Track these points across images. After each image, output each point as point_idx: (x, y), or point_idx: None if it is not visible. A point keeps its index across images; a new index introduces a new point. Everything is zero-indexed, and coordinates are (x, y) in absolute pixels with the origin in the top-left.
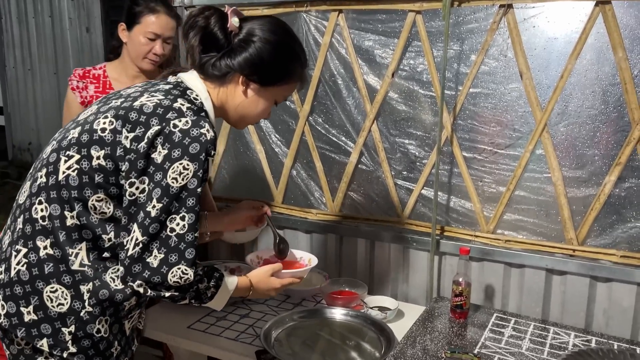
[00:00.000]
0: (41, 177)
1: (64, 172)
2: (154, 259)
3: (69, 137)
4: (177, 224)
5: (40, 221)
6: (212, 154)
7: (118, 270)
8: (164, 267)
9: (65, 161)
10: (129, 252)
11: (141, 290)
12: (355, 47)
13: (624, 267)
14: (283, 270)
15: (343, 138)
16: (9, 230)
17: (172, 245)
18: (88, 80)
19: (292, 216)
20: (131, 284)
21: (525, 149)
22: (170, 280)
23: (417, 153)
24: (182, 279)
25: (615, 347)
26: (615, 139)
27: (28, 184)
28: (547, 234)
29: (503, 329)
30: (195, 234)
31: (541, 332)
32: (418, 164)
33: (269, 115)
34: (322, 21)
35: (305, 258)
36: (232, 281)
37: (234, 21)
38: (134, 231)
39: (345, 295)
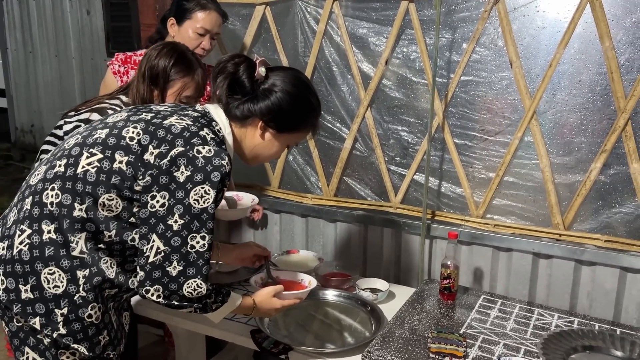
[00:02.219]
0: (59, 165)
1: (83, 167)
2: (173, 269)
3: (96, 136)
4: (198, 242)
5: (49, 206)
6: (227, 184)
7: (135, 271)
8: (182, 277)
9: (87, 157)
10: (150, 259)
11: (155, 295)
12: (350, 35)
13: (608, 251)
14: (284, 292)
15: (338, 124)
16: (15, 208)
17: (191, 260)
18: (129, 66)
19: (288, 200)
20: (148, 287)
21: (515, 136)
22: (185, 290)
23: (409, 139)
24: (196, 292)
25: (597, 327)
26: (601, 127)
27: (43, 168)
28: (535, 219)
29: (489, 311)
30: (211, 253)
31: (526, 314)
32: (410, 150)
33: (279, 156)
34: (317, 9)
35: (306, 280)
36: (237, 298)
37: (261, 71)
38: (154, 240)
39: (338, 277)
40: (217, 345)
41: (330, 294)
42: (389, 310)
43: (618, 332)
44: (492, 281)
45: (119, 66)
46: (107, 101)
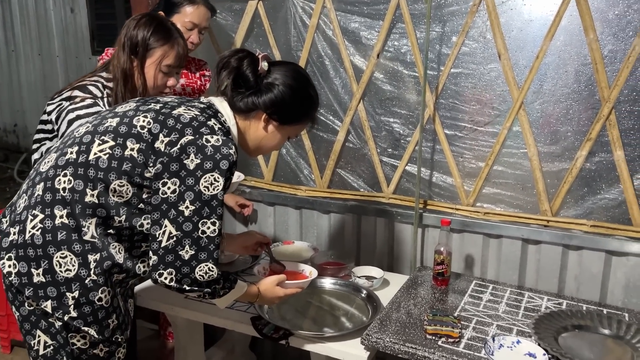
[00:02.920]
0: (71, 152)
1: (95, 154)
2: (186, 253)
3: (106, 125)
4: (208, 228)
5: (62, 192)
6: (233, 172)
7: (150, 258)
8: (194, 261)
9: (99, 144)
10: (163, 244)
11: (167, 279)
12: (342, 29)
13: (594, 236)
14: (287, 281)
15: (331, 117)
16: (25, 195)
17: (203, 245)
18: None
19: (282, 193)
20: (162, 271)
21: (503, 126)
22: (197, 273)
23: (401, 131)
24: (207, 275)
25: (584, 308)
26: (586, 116)
27: (54, 155)
28: (523, 206)
29: (481, 295)
30: (220, 238)
31: (517, 297)
32: (402, 141)
33: (280, 148)
34: (309, 3)
35: (307, 270)
36: (242, 286)
37: (264, 65)
38: (166, 226)
39: (333, 266)
40: (214, 338)
41: (327, 282)
42: (384, 296)
43: (605, 312)
44: (483, 267)
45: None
46: (88, 79)
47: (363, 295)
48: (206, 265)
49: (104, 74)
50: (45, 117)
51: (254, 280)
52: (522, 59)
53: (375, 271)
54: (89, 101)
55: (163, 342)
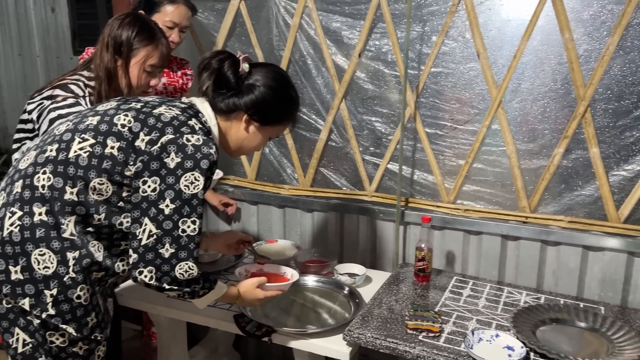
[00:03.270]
0: (51, 150)
1: (75, 152)
2: (166, 252)
3: (87, 123)
4: (189, 226)
5: (41, 189)
6: (214, 172)
7: (130, 256)
8: (174, 259)
9: (80, 142)
10: (143, 242)
11: (147, 277)
12: (324, 29)
13: (571, 232)
14: (267, 284)
15: (313, 116)
16: (3, 192)
17: (183, 243)
18: None
19: (265, 192)
20: (142, 269)
21: (482, 124)
22: (177, 272)
23: (383, 130)
24: (187, 274)
25: (562, 302)
26: (563, 114)
27: (34, 153)
28: (503, 203)
29: (462, 290)
30: (200, 237)
31: (496, 292)
32: (384, 140)
33: (261, 148)
34: (291, 3)
35: (289, 273)
36: (222, 287)
37: (244, 67)
38: (146, 224)
39: (317, 264)
40: (197, 337)
41: (310, 280)
42: (367, 293)
43: (581, 306)
44: (463, 263)
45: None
46: (69, 77)
47: (345, 292)
48: (186, 263)
49: (85, 73)
50: (25, 116)
51: (235, 282)
52: (500, 58)
53: (357, 268)
54: (70, 100)
55: (146, 342)
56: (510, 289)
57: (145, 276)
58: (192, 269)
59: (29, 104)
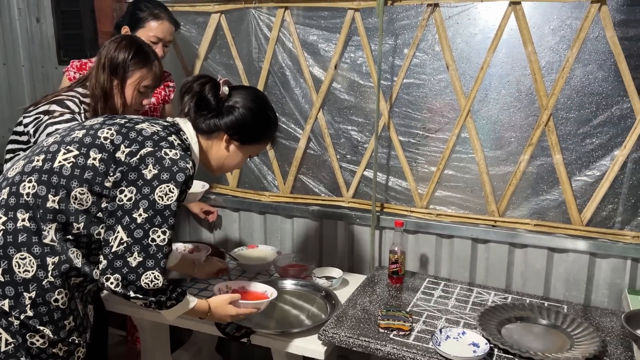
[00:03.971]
0: (38, 160)
1: (60, 162)
2: (134, 260)
3: (73, 136)
4: (159, 236)
5: (25, 197)
6: (190, 186)
7: (99, 261)
8: (141, 268)
9: (64, 153)
10: (113, 249)
11: (113, 284)
12: (301, 41)
13: (537, 234)
14: (241, 300)
15: (292, 125)
16: None
17: (151, 252)
18: (84, 72)
19: (246, 199)
20: (109, 275)
21: (452, 132)
22: (143, 281)
23: (359, 138)
24: (153, 283)
25: (528, 301)
26: (527, 123)
27: (22, 162)
28: (473, 208)
29: (433, 291)
30: (170, 248)
31: (466, 293)
32: (360, 148)
33: (241, 166)
34: (270, 17)
35: (269, 292)
36: (192, 300)
37: (224, 89)
38: (119, 232)
39: (296, 268)
40: (181, 341)
41: (289, 283)
42: (344, 295)
43: (546, 305)
44: (436, 266)
45: (74, 72)
46: (65, 94)
47: (323, 294)
48: (152, 273)
49: (80, 90)
50: (20, 128)
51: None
52: (468, 69)
53: (335, 272)
54: (67, 116)
55: (131, 347)
56: (480, 290)
57: (112, 283)
58: (158, 279)
59: (24, 117)
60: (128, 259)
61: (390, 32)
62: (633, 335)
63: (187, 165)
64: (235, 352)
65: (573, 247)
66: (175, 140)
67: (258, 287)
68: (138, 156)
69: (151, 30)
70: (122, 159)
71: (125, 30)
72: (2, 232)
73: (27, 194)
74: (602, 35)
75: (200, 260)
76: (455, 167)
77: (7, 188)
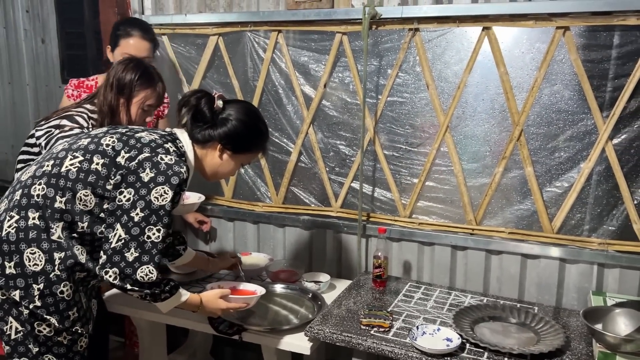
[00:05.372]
0: (47, 165)
1: (66, 167)
2: (130, 255)
3: (79, 143)
4: (154, 234)
5: (35, 198)
6: (184, 189)
7: (100, 257)
8: (137, 263)
9: (71, 159)
10: (112, 245)
11: (112, 277)
12: (293, 62)
13: (511, 242)
14: (231, 295)
15: (285, 140)
16: (6, 199)
17: (146, 248)
18: (82, 90)
19: (241, 209)
20: (108, 269)
21: (433, 147)
22: (138, 275)
23: (346, 152)
24: (147, 277)
25: (501, 303)
26: (501, 137)
27: (34, 167)
28: (452, 217)
29: (414, 294)
30: (164, 245)
31: (445, 296)
32: (348, 161)
33: (235, 174)
34: (264, 39)
35: (259, 290)
36: (184, 294)
37: (219, 103)
38: (117, 229)
39: (287, 273)
40: (176, 344)
41: (279, 287)
42: (331, 299)
43: (518, 306)
44: (419, 272)
45: (73, 90)
46: (74, 109)
47: (310, 296)
48: (147, 267)
49: (88, 106)
50: (33, 140)
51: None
52: (446, 88)
53: (322, 276)
54: (76, 130)
55: (129, 351)
56: (458, 293)
57: (110, 276)
58: (152, 273)
59: (37, 130)
60: (125, 254)
61: (375, 54)
62: (590, 329)
63: (181, 169)
64: (229, 355)
65: (544, 254)
66: (171, 147)
67: (248, 286)
68: (136, 161)
69: (124, 48)
70: (122, 163)
71: (108, 49)
72: (15, 229)
73: (37, 195)
74: (567, 58)
75: (214, 260)
76: (435, 179)
77: (20, 190)
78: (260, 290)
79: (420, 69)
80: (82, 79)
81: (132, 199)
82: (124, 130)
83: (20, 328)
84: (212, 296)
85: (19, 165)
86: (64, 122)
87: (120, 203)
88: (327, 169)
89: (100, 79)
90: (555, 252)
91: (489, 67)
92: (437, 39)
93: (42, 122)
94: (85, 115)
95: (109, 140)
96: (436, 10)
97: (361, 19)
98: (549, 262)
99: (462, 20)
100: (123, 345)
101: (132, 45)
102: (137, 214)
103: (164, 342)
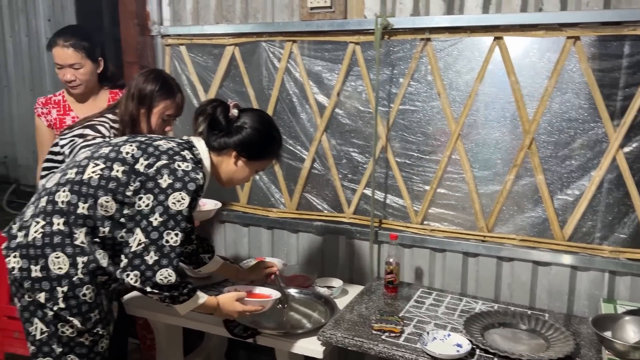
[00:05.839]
0: (71, 173)
1: (89, 174)
2: (150, 258)
3: (100, 152)
4: (172, 238)
5: (60, 204)
6: (200, 195)
7: (121, 260)
8: (156, 266)
9: (93, 167)
10: (133, 249)
11: (133, 280)
12: (307, 71)
13: (523, 249)
14: (247, 298)
15: (298, 147)
16: (32, 206)
17: (165, 252)
18: (50, 106)
19: (255, 214)
20: (129, 272)
21: (444, 154)
22: (158, 277)
23: (359, 159)
24: (167, 280)
25: (511, 309)
26: (512, 145)
27: (58, 175)
28: (463, 224)
29: (425, 300)
30: (182, 249)
31: (456, 302)
32: (360, 168)
33: (249, 180)
34: (279, 49)
35: (274, 294)
36: (202, 296)
37: (234, 112)
38: (137, 234)
39: (300, 278)
40: (191, 347)
41: (293, 292)
42: (343, 304)
43: (529, 313)
44: (430, 278)
45: (41, 108)
46: (96, 119)
47: (323, 301)
48: (166, 270)
49: (110, 116)
50: (57, 149)
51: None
52: (458, 97)
53: (335, 282)
54: (99, 139)
55: (143, 355)
56: (469, 299)
57: (131, 279)
58: (171, 276)
59: (61, 139)
60: (145, 258)
61: (387, 64)
62: (599, 336)
63: (198, 176)
64: (243, 358)
65: (556, 261)
66: (188, 155)
67: (264, 290)
68: (155, 167)
69: (53, 58)
70: (141, 170)
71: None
72: (41, 234)
73: (62, 202)
74: (577, 67)
75: (242, 269)
76: (447, 186)
77: (46, 197)
78: (275, 294)
79: (431, 78)
80: (49, 96)
81: (150, 204)
82: (142, 139)
83: (45, 329)
84: (229, 299)
85: (43, 173)
86: (87, 131)
87: (140, 208)
88: (340, 176)
89: (65, 93)
90: (566, 259)
91: (500, 76)
92: (448, 48)
93: (66, 132)
94: (107, 125)
95: (129, 149)
96: (447, 21)
97: (373, 30)
98: (560, 269)
99: (473, 30)
100: (139, 348)
101: (57, 55)
102: (155, 219)
103: (180, 344)
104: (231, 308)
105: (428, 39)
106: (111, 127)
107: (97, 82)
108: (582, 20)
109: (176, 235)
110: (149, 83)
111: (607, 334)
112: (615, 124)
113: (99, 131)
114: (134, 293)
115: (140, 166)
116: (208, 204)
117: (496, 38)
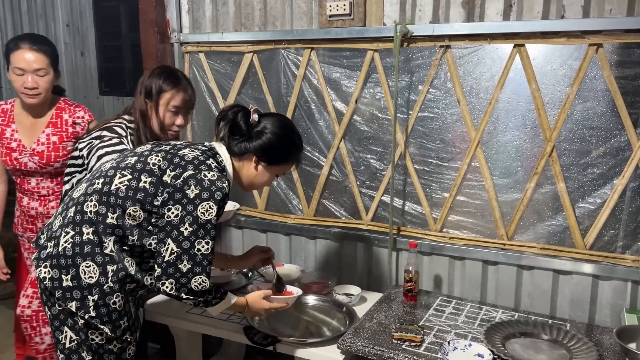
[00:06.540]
0: (98, 183)
1: (116, 185)
2: (184, 267)
3: (127, 162)
4: (203, 246)
5: (89, 214)
6: (226, 202)
7: (150, 267)
8: (190, 273)
9: (120, 177)
10: (166, 258)
11: (168, 288)
12: (325, 78)
13: (543, 257)
14: (273, 296)
15: (316, 154)
16: (60, 216)
17: (198, 260)
18: (1, 117)
19: (273, 221)
20: (164, 281)
21: (464, 161)
22: (192, 284)
23: (377, 166)
24: (201, 286)
25: (532, 319)
26: (532, 153)
27: (84, 185)
28: (483, 232)
29: (445, 308)
30: (213, 256)
31: (476, 310)
32: (378, 175)
33: (270, 184)
34: (297, 57)
35: (295, 291)
36: (232, 297)
37: (254, 117)
38: (169, 244)
39: (318, 285)
40: (213, 350)
41: (311, 299)
42: (361, 310)
43: (550, 322)
44: (449, 286)
45: None
46: (114, 121)
47: (342, 309)
48: (200, 277)
49: (126, 117)
50: (77, 153)
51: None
52: (477, 104)
53: (353, 289)
54: (115, 140)
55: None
56: (489, 308)
57: (167, 287)
58: (205, 282)
59: (80, 143)
60: (179, 266)
61: (406, 71)
62: (623, 348)
63: (224, 184)
64: None
65: (577, 270)
66: (213, 163)
67: (286, 288)
68: (182, 178)
69: (14, 63)
70: (169, 182)
71: (6, 68)
72: (71, 244)
73: (90, 212)
74: (599, 75)
75: (233, 257)
76: (466, 193)
77: (74, 207)
78: (297, 291)
79: (451, 85)
80: (1, 103)
81: (180, 214)
82: (167, 148)
83: (74, 337)
84: (257, 297)
85: (66, 178)
86: (104, 133)
87: (169, 219)
88: (358, 183)
89: (17, 102)
90: (587, 268)
91: (521, 83)
92: (468, 55)
93: (85, 136)
94: (123, 125)
95: (155, 159)
96: (467, 28)
97: (392, 37)
98: (581, 278)
99: (493, 37)
100: (160, 353)
101: (20, 59)
102: (186, 229)
103: (199, 349)
104: (259, 305)
105: (448, 46)
106: (127, 127)
107: (50, 95)
108: (604, 28)
109: (207, 243)
110: (154, 77)
111: (632, 346)
112: (639, 132)
113: (115, 132)
114: (155, 299)
115: (167, 177)
116: (227, 205)
117: (517, 45)
